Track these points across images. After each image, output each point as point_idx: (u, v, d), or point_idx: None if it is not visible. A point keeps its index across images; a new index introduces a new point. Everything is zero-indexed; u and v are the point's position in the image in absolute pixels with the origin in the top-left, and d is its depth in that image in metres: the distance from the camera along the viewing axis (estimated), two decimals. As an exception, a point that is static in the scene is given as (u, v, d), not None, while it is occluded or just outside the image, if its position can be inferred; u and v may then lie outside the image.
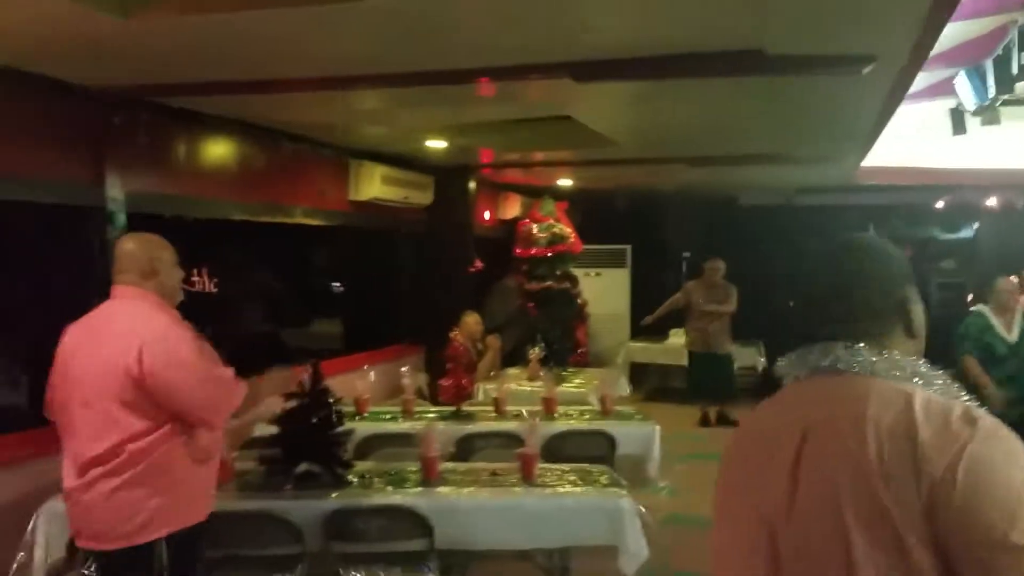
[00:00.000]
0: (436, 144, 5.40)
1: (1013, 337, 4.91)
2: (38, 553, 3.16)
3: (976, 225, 9.54)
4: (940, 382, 1.16)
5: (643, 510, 3.16)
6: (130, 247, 2.63)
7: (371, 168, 5.86)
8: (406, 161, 6.28)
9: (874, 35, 2.87)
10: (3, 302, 4.20)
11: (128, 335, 2.45)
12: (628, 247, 9.42)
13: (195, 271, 4.47)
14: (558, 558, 3.39)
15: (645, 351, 8.68)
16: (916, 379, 1.15)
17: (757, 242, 8.95)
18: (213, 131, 4.54)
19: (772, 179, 8.06)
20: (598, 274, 9.22)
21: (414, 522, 3.06)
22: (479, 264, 7.34)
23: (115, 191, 3.81)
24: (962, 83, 4.36)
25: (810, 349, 1.23)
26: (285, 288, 7.37)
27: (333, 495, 3.24)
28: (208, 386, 2.53)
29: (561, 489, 3.28)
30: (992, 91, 4.12)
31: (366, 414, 4.76)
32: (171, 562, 2.45)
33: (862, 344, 1.19)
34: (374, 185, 5.87)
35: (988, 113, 4.60)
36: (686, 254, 9.34)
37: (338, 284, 7.94)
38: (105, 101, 3.70)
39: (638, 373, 8.50)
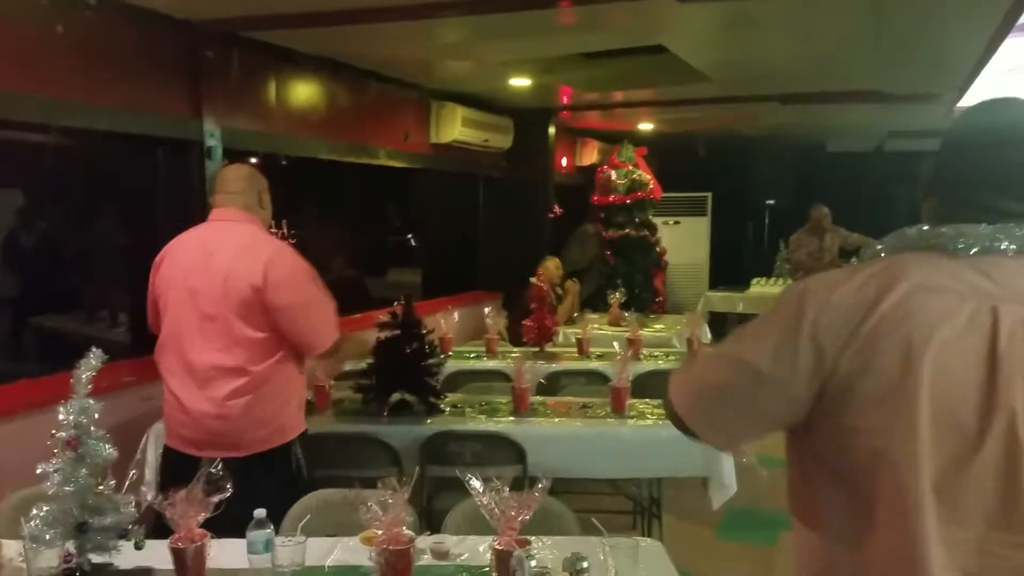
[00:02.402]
0: (520, 82, 5.32)
1: None
2: (148, 472, 3.32)
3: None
4: None
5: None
6: (245, 172, 2.69)
7: (452, 110, 5.84)
8: (487, 103, 6.23)
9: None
10: (107, 236, 4.37)
11: (251, 250, 2.51)
12: (709, 195, 9.18)
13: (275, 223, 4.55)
14: (647, 488, 3.37)
15: (725, 300, 8.49)
16: None
17: (845, 191, 8.59)
18: (303, 69, 4.56)
19: (863, 121, 7.69)
20: (677, 222, 9.03)
21: (508, 448, 3.07)
22: (558, 209, 7.27)
23: (211, 126, 3.88)
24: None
25: (991, 227, 1.09)
26: (364, 236, 7.47)
27: (428, 421, 3.29)
28: (322, 311, 2.61)
29: (654, 421, 3.25)
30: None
31: (450, 353, 4.80)
32: (296, 461, 2.60)
33: None
34: (455, 127, 5.84)
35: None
36: (770, 202, 9.03)
37: (410, 236, 7.99)
38: (199, 34, 3.75)
39: (717, 323, 8.33)
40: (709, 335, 6.40)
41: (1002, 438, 1.02)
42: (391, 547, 1.77)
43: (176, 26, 3.66)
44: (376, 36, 4.03)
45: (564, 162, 8.05)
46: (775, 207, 8.85)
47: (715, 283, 8.87)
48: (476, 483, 1.81)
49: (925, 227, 1.15)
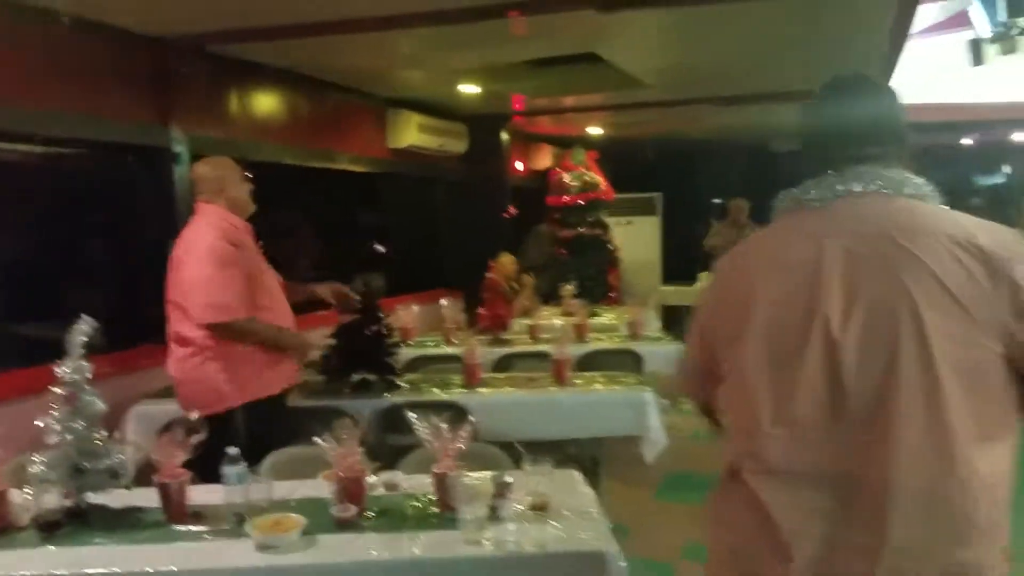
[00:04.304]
0: (469, 89, 5.67)
1: None
2: (128, 451, 3.59)
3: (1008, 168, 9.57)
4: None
5: (665, 402, 3.47)
6: (202, 170, 3.09)
7: (408, 116, 6.17)
8: (441, 110, 6.57)
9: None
10: (82, 240, 4.62)
11: (183, 237, 2.96)
12: (658, 195, 9.62)
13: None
14: (588, 449, 3.73)
15: (677, 294, 8.91)
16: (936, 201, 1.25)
17: (790, 187, 9.04)
18: (265, 80, 4.88)
19: (801, 122, 8.15)
20: (629, 223, 9.44)
21: (459, 416, 3.39)
22: (512, 210, 7.62)
23: (179, 134, 4.17)
24: (976, 11, 4.54)
25: (837, 175, 1.28)
26: (329, 242, 7.73)
27: (387, 396, 3.61)
28: (204, 287, 2.85)
29: (591, 387, 3.61)
30: (1004, 14, 4.30)
31: (411, 342, 5.11)
32: (249, 427, 2.89)
33: (888, 167, 1.26)
34: (411, 132, 6.18)
35: (1005, 42, 4.76)
36: (717, 201, 9.51)
37: (378, 246, 8.27)
38: (169, 49, 4.05)
39: (670, 317, 8.72)
40: (657, 324, 6.79)
41: (820, 341, 1.21)
42: (346, 475, 2.10)
43: (145, 42, 3.96)
44: (335, 48, 4.35)
45: (520, 166, 8.42)
46: (722, 206, 9.32)
47: (667, 278, 9.29)
48: (417, 421, 2.14)
49: (794, 191, 1.39)
